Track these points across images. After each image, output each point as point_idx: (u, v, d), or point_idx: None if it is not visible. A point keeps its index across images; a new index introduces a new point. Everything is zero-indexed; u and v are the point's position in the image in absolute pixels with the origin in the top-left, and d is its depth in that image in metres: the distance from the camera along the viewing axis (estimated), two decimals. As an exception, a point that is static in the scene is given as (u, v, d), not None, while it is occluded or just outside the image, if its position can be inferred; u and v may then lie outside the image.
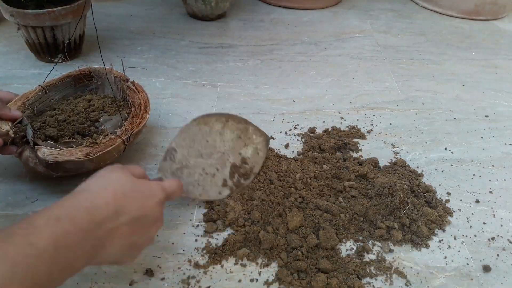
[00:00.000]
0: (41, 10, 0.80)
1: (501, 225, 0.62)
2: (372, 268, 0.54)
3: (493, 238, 0.60)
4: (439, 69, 1.02)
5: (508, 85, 0.97)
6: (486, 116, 0.86)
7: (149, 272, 0.51)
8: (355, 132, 0.77)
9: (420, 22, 1.26)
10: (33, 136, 0.57)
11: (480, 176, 0.71)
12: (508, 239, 0.60)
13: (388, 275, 0.53)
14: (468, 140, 0.79)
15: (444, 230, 0.60)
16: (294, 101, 0.86)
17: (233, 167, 0.60)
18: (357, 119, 0.82)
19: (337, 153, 0.71)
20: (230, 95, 0.86)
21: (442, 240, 0.59)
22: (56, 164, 0.54)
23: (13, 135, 0.56)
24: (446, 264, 0.56)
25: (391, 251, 0.56)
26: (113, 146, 0.57)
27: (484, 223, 0.62)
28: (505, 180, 0.70)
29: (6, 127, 0.56)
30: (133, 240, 0.41)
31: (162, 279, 0.51)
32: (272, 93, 0.88)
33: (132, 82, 0.69)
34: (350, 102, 0.87)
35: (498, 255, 0.57)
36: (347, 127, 0.79)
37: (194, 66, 0.95)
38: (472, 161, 0.74)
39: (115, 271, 0.51)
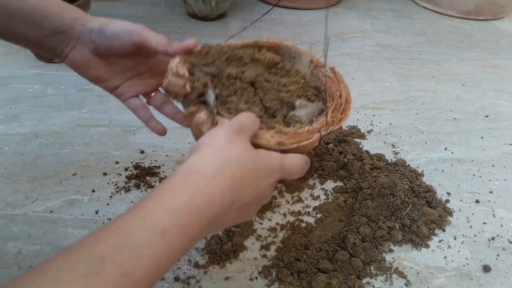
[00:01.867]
0: (41, 10, 0.80)
1: (501, 225, 0.62)
2: (372, 268, 0.54)
3: (493, 238, 0.60)
4: (439, 69, 1.02)
5: (508, 85, 0.97)
6: (486, 116, 0.86)
7: (149, 272, 0.51)
8: (355, 132, 0.77)
9: (420, 22, 1.26)
10: (215, 101, 0.44)
11: (480, 176, 0.71)
12: (508, 239, 0.60)
13: (388, 275, 0.53)
14: (468, 140, 0.79)
15: (444, 230, 0.60)
16: (294, 101, 0.86)
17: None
18: (357, 119, 0.82)
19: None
20: (230, 95, 0.86)
21: (442, 240, 0.59)
22: None
23: (188, 90, 0.44)
24: (446, 264, 0.56)
25: (391, 251, 0.56)
26: (310, 140, 0.44)
27: (484, 223, 0.62)
28: (505, 180, 0.70)
29: (181, 82, 0.43)
30: (235, 219, 0.37)
31: (162, 279, 0.51)
32: (272, 93, 0.88)
33: (332, 69, 0.55)
34: (350, 102, 0.87)
35: (498, 255, 0.57)
36: (347, 127, 0.79)
37: (194, 66, 0.95)
38: (472, 161, 0.74)
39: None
